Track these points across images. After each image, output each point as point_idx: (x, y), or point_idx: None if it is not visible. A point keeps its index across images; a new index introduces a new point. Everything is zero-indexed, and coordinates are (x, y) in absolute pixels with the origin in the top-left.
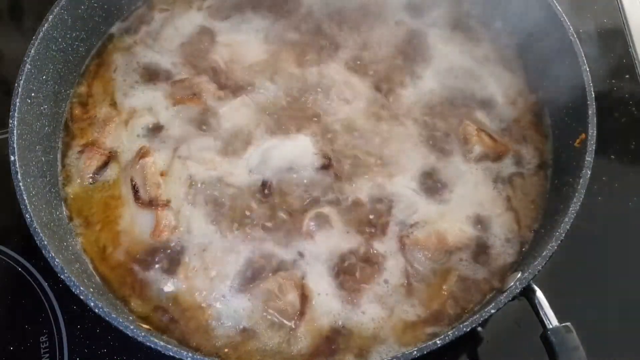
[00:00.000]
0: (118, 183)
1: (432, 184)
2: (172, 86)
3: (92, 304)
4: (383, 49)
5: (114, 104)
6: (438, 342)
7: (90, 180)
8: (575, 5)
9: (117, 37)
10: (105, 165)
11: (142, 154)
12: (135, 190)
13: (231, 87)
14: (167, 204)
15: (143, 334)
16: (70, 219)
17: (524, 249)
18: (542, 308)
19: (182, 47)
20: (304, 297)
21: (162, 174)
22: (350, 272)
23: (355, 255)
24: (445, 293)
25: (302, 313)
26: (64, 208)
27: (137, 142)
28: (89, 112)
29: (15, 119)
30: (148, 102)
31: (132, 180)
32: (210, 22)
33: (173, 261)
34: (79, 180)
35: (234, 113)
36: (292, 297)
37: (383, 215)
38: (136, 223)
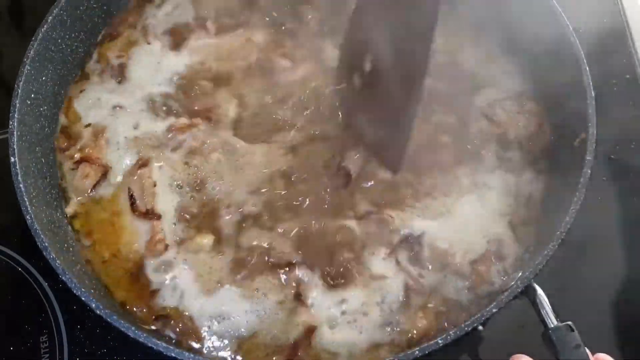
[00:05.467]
0: (115, 196)
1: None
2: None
3: (93, 305)
4: None
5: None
6: (440, 341)
7: (87, 197)
8: (575, 5)
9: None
10: (101, 179)
11: (140, 164)
12: (132, 201)
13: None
14: (159, 217)
15: (145, 335)
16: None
17: (526, 251)
18: (543, 307)
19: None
20: (298, 295)
21: (154, 185)
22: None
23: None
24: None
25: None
26: (63, 209)
27: (128, 153)
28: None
29: (15, 120)
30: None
31: (129, 191)
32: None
33: (168, 270)
34: (77, 198)
35: None
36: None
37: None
38: (134, 235)
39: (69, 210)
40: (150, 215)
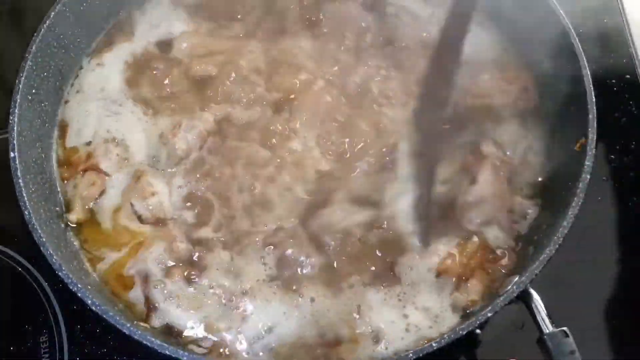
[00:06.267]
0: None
1: None
2: None
3: (89, 301)
4: None
5: None
6: (434, 344)
7: (93, 206)
8: (575, 5)
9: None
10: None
11: (137, 176)
12: (138, 215)
13: None
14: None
15: (140, 332)
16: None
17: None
18: (539, 312)
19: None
20: None
21: (152, 194)
22: None
23: None
24: None
25: None
26: (63, 206)
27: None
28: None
29: (16, 115)
30: None
31: (132, 205)
32: None
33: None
34: (79, 207)
35: None
36: None
37: None
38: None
39: (73, 217)
40: (160, 223)
